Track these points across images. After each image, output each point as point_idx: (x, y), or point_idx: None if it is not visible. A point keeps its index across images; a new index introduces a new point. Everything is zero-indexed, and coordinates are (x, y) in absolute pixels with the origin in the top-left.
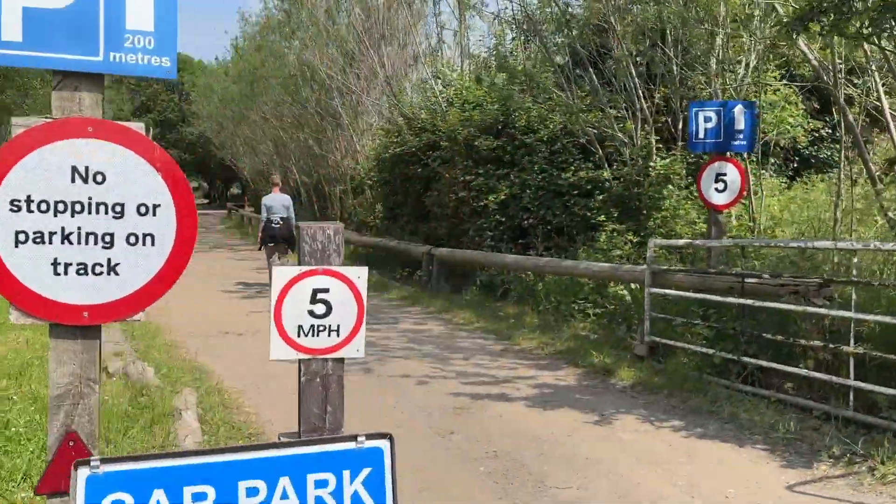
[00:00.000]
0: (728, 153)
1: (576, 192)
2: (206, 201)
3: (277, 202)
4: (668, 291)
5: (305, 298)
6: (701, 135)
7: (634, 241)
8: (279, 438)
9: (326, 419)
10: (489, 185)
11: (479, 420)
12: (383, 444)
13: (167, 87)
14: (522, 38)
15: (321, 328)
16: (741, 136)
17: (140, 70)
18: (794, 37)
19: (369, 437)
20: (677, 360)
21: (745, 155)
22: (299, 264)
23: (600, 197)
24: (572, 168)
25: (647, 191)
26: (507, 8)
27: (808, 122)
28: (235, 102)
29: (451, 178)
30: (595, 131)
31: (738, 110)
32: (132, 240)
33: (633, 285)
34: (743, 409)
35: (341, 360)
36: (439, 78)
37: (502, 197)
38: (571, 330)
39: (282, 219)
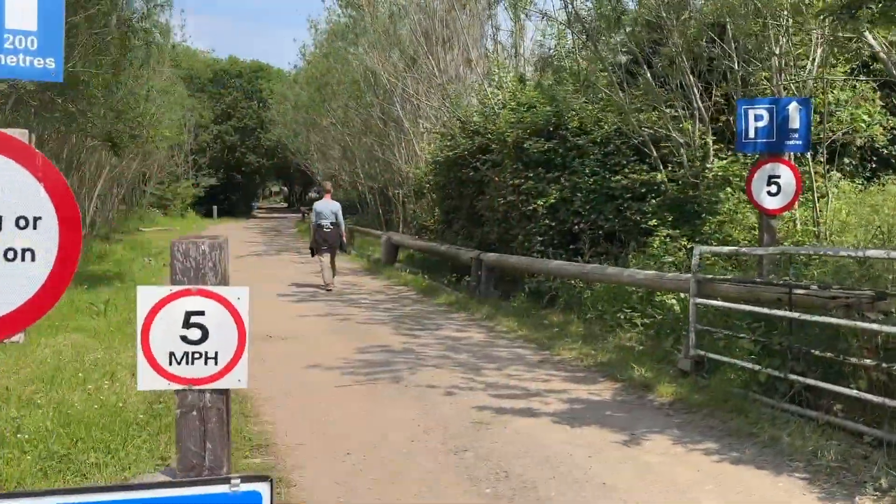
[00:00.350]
0: (782, 154)
1: (629, 195)
2: (285, 205)
3: (327, 208)
4: (713, 302)
5: (177, 322)
6: (751, 134)
7: (688, 247)
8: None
9: (206, 457)
10: (539, 189)
11: (497, 436)
12: (262, 488)
13: (246, 95)
14: (574, 37)
15: (196, 355)
16: (796, 136)
17: (22, 73)
18: (843, 26)
19: (245, 479)
20: (722, 377)
21: (808, 156)
22: (171, 283)
23: (654, 200)
24: (626, 171)
25: (704, 194)
26: (558, 7)
27: (888, 120)
28: (305, 109)
29: (501, 181)
30: (649, 132)
31: (793, 108)
32: (10, 255)
33: (681, 295)
34: (786, 432)
35: (223, 392)
36: (493, 80)
37: (552, 201)
38: (616, 340)
39: (332, 224)
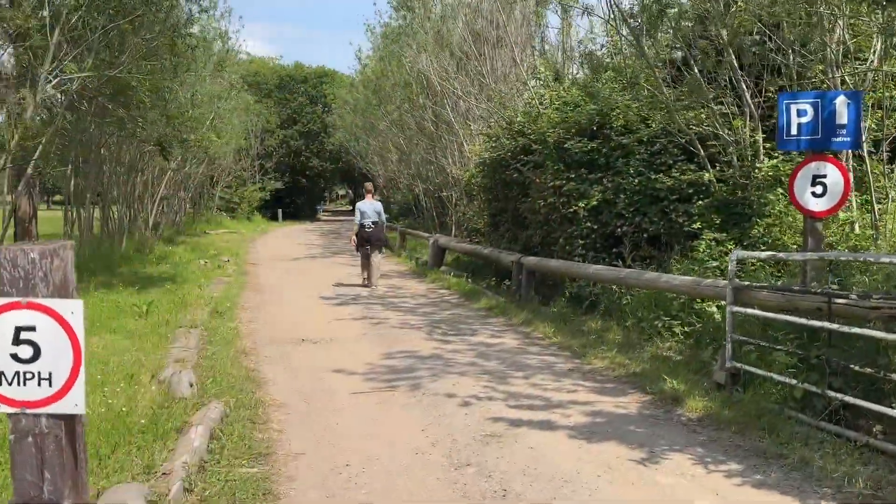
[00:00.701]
0: (829, 152)
1: (675, 196)
2: (350, 208)
3: (370, 208)
4: (750, 311)
5: (6, 338)
6: (793, 131)
7: (736, 250)
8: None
9: (44, 489)
10: (581, 191)
11: (505, 451)
12: None
13: (311, 100)
14: (618, 33)
15: (29, 375)
16: (843, 132)
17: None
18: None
19: None
20: (758, 391)
21: (866, 154)
22: None
23: (701, 202)
24: (673, 171)
25: (753, 195)
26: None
27: None
28: (362, 112)
29: (542, 183)
30: (697, 130)
31: (841, 101)
32: None
33: (722, 303)
34: (818, 454)
35: (62, 417)
36: (539, 78)
37: (594, 202)
38: (654, 350)
39: (374, 223)
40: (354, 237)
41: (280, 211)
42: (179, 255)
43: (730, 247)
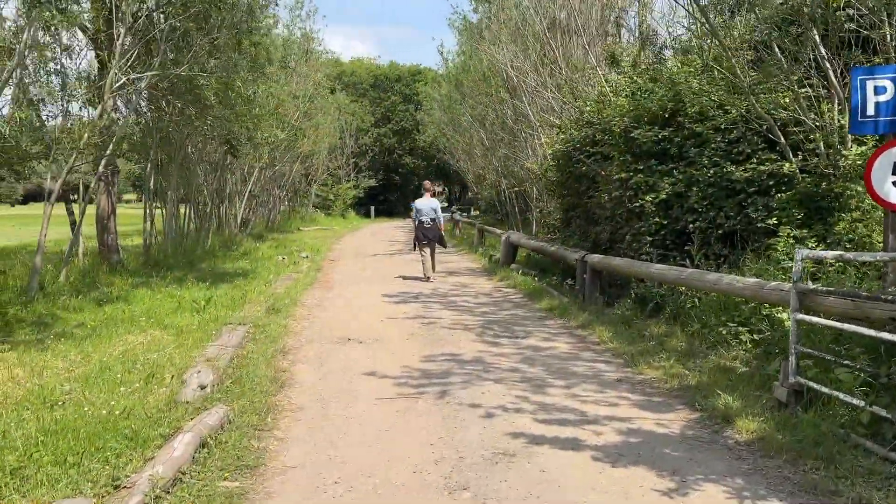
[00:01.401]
0: None
1: (753, 189)
2: (445, 205)
3: (427, 206)
4: (815, 319)
5: None
6: (870, 111)
7: (818, 249)
8: None
9: None
10: (649, 183)
11: (513, 474)
12: None
13: (404, 99)
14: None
15: None
16: None
17: None
18: None
19: None
20: (822, 413)
21: None
22: None
23: (782, 195)
24: (753, 161)
25: (838, 186)
26: None
27: None
28: (447, 108)
29: (608, 175)
30: (778, 115)
31: None
32: None
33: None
34: (881, 493)
35: None
36: (614, 65)
37: (663, 196)
38: (717, 359)
39: (431, 220)
40: (414, 234)
41: (373, 208)
42: (263, 251)
43: (810, 245)
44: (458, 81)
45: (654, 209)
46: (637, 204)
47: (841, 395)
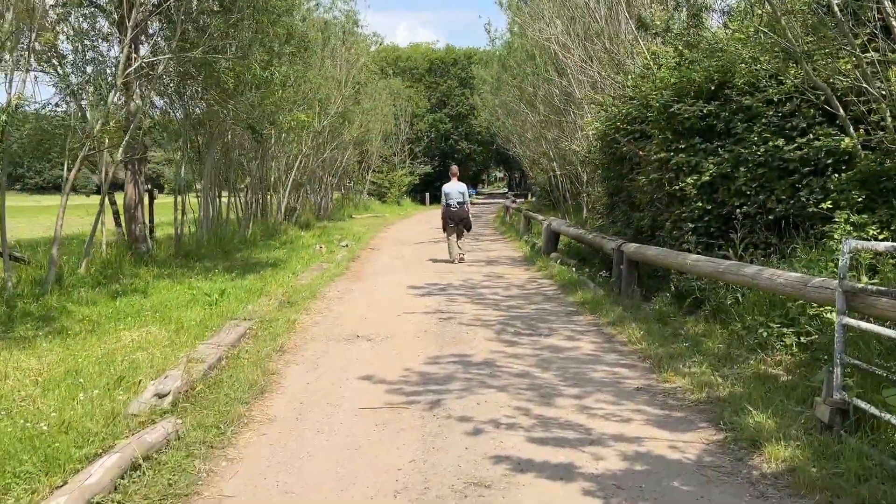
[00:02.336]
0: None
1: (808, 168)
2: (506, 191)
3: (454, 189)
4: (864, 325)
5: None
6: None
7: (881, 237)
8: None
9: None
10: (691, 164)
11: None
12: None
13: (460, 83)
14: None
15: None
16: None
17: None
18: None
19: None
20: (870, 439)
21: None
22: None
23: (840, 175)
24: (808, 136)
25: None
26: None
27: None
28: (496, 91)
29: (646, 155)
30: (838, 83)
31: None
32: None
33: None
34: None
35: None
36: (641, 29)
37: (707, 178)
38: (757, 365)
39: (458, 203)
40: (442, 217)
41: (427, 195)
42: (304, 240)
43: (872, 232)
44: (506, 61)
45: (696, 192)
46: (678, 187)
47: (894, 420)
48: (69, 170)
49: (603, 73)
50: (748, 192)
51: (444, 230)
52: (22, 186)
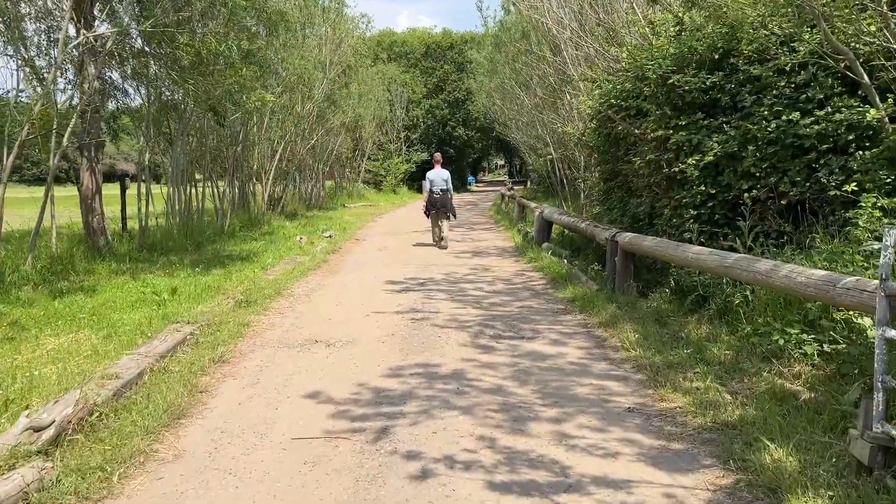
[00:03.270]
0: None
1: (826, 145)
2: (506, 178)
3: (438, 176)
4: None
5: None
6: None
7: None
8: None
9: None
10: (693, 142)
11: None
12: None
13: (457, 67)
14: None
15: None
16: None
17: None
18: None
19: None
20: None
21: None
22: None
23: (865, 153)
24: (826, 109)
25: None
26: None
27: None
28: (490, 73)
29: (642, 134)
30: (862, 47)
31: None
32: None
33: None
34: None
35: None
36: (655, 1)
37: (711, 158)
38: (772, 378)
39: (442, 190)
40: (425, 203)
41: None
42: (287, 230)
43: None
44: (499, 41)
45: (698, 175)
46: (677, 169)
47: None
48: (7, 156)
49: (597, 47)
50: (757, 174)
51: (427, 216)
52: (20, 178)
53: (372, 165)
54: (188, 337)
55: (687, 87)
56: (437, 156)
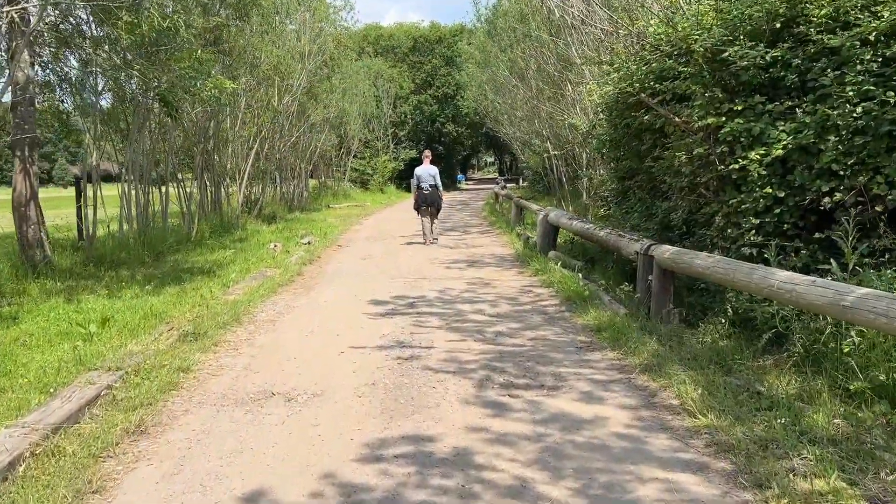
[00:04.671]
0: None
1: None
2: (496, 176)
3: (427, 172)
4: None
5: None
6: None
7: None
8: None
9: None
10: (753, 133)
11: None
12: None
13: (446, 62)
14: None
15: None
16: None
17: None
18: None
19: None
20: None
21: None
22: None
23: None
24: None
25: None
26: None
27: None
28: (483, 63)
29: (685, 122)
30: None
31: None
32: None
33: None
34: None
35: None
36: None
37: (779, 152)
38: None
39: (431, 186)
40: (414, 199)
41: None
42: (263, 236)
43: None
44: (493, 27)
45: (763, 173)
46: (735, 166)
47: None
48: None
49: (605, 27)
50: (840, 172)
51: (418, 212)
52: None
53: (358, 164)
54: (104, 392)
55: (742, 63)
56: (427, 152)
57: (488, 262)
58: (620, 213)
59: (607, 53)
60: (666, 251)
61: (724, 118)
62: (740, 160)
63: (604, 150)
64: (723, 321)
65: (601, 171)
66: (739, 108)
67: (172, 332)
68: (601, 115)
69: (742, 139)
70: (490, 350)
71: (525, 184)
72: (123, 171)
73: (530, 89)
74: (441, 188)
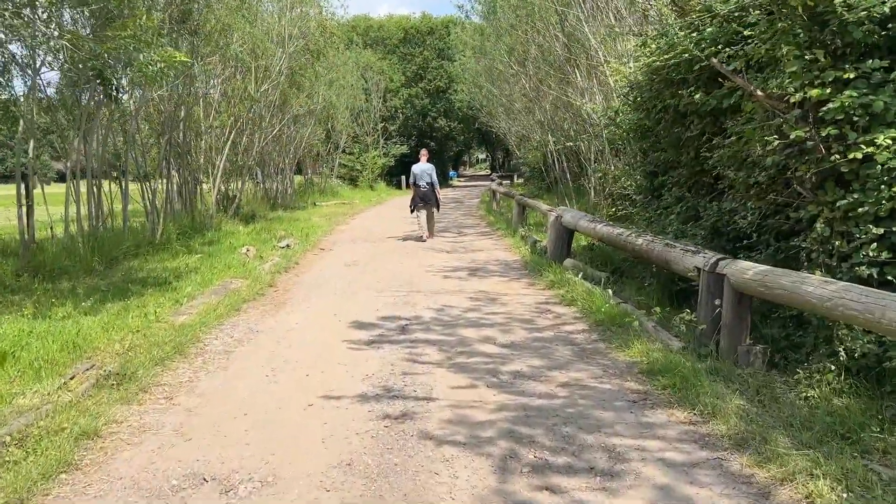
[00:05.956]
0: None
1: None
2: (488, 172)
3: (423, 170)
4: None
5: None
6: None
7: None
8: None
9: None
10: (872, 109)
11: None
12: None
13: (438, 54)
14: None
15: None
16: None
17: None
18: None
19: None
20: None
21: None
22: None
23: None
24: None
25: None
26: None
27: None
28: (480, 51)
29: (769, 97)
30: None
31: None
32: None
33: None
34: None
35: None
36: None
37: None
38: None
39: (427, 184)
40: (412, 196)
41: (404, 178)
42: (238, 237)
43: None
44: (489, 9)
45: (894, 165)
46: (857, 154)
47: None
48: None
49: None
50: None
51: (413, 211)
52: None
53: (347, 159)
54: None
55: (852, 16)
56: (424, 150)
57: (492, 270)
58: (648, 215)
59: (637, 23)
60: (747, 269)
61: (827, 89)
62: (863, 146)
63: (628, 141)
64: (830, 367)
65: (614, 166)
66: (851, 76)
67: (90, 373)
68: (627, 100)
69: (856, 118)
70: (510, 403)
71: (520, 180)
72: (68, 164)
73: (530, 80)
74: (437, 185)
